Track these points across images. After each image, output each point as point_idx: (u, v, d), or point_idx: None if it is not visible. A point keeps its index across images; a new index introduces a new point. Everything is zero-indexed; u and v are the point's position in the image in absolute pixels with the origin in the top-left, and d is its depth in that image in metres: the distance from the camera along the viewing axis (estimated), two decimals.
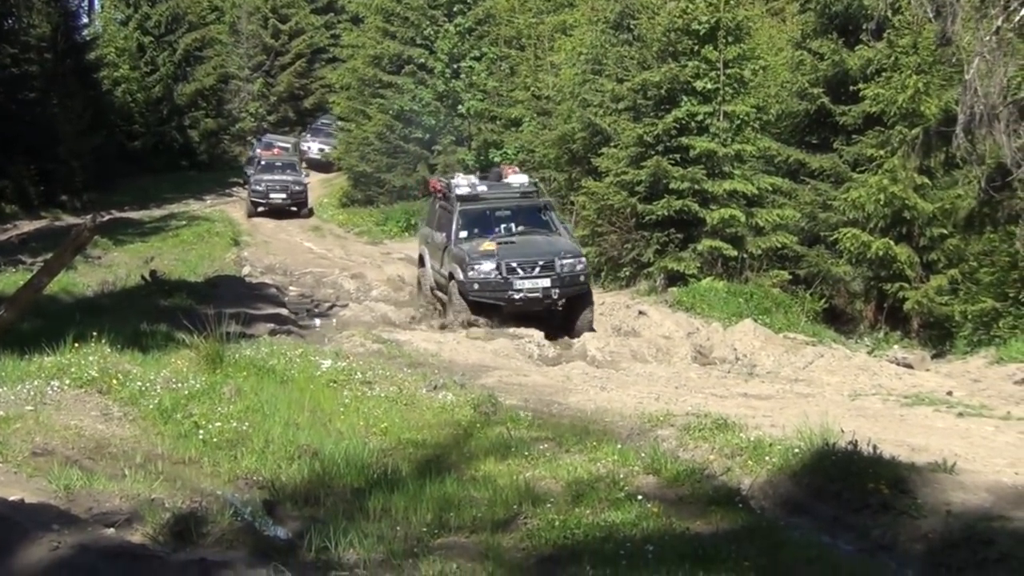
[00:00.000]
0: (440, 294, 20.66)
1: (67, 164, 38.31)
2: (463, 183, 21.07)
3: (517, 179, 21.32)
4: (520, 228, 20.18)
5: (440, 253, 20.40)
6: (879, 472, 7.98)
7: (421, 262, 22.21)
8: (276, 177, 38.26)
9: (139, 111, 50.43)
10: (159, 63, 51.18)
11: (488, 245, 19.20)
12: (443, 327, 18.82)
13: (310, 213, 38.81)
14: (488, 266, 18.76)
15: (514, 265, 18.74)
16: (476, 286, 18.80)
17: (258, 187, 37.85)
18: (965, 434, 10.63)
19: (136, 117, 50.30)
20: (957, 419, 11.54)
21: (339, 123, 44.60)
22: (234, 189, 46.13)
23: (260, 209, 37.61)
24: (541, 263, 18.78)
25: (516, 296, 18.68)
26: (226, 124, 55.69)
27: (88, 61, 44.87)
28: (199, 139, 52.50)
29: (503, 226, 20.24)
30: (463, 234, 19.92)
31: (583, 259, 19.43)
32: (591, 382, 13.85)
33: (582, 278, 19.12)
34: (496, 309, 18.84)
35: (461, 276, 18.91)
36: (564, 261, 18.81)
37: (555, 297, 18.82)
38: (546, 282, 18.68)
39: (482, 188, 20.92)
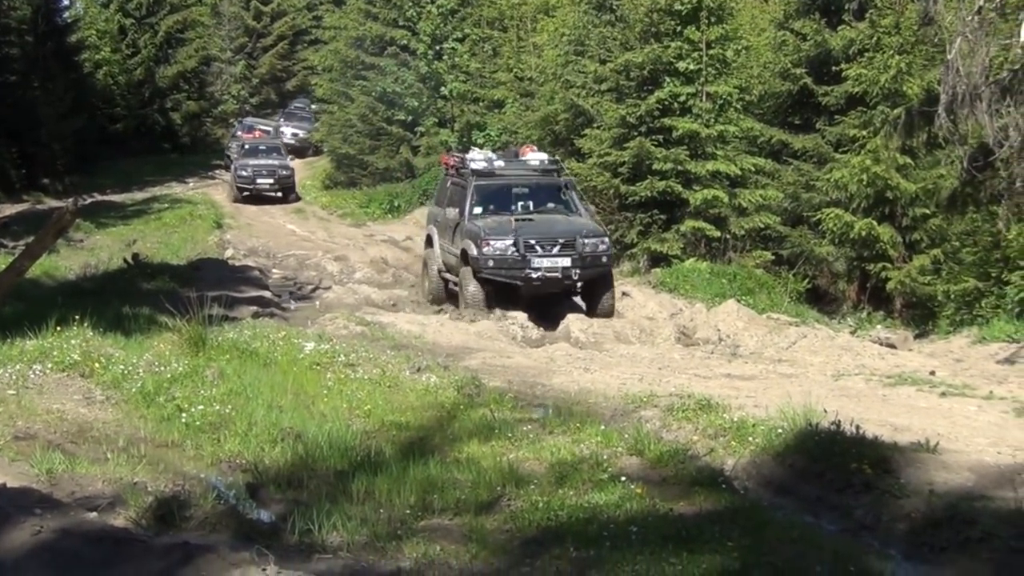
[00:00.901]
0: (449, 276, 19.72)
1: (48, 147, 37.96)
2: (478, 157, 20.27)
3: (536, 156, 20.44)
4: (539, 206, 19.25)
5: (451, 231, 19.36)
6: (862, 452, 8.00)
7: (428, 243, 20.98)
8: (262, 161, 37.15)
9: (121, 94, 50.00)
10: (141, 45, 50.68)
11: (508, 222, 18.28)
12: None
13: (297, 199, 37.91)
14: (504, 242, 17.78)
15: (532, 242, 17.77)
16: (491, 263, 17.80)
17: (244, 172, 36.58)
18: (948, 414, 10.67)
19: (118, 100, 49.87)
20: (940, 399, 11.58)
21: (320, 105, 44.31)
22: (216, 172, 45.68)
23: (246, 195, 36.38)
24: (562, 241, 17.90)
25: (534, 275, 17.70)
26: (208, 106, 55.19)
27: (69, 43, 44.42)
28: (181, 122, 52.08)
29: (521, 204, 19.25)
30: (478, 210, 18.93)
31: (607, 240, 18.64)
32: (575, 363, 13.85)
33: (604, 259, 18.28)
34: (511, 291, 18.04)
35: (475, 252, 17.92)
36: (586, 240, 17.94)
37: (575, 278, 17.92)
38: (566, 261, 17.75)
39: (499, 163, 20.03)
